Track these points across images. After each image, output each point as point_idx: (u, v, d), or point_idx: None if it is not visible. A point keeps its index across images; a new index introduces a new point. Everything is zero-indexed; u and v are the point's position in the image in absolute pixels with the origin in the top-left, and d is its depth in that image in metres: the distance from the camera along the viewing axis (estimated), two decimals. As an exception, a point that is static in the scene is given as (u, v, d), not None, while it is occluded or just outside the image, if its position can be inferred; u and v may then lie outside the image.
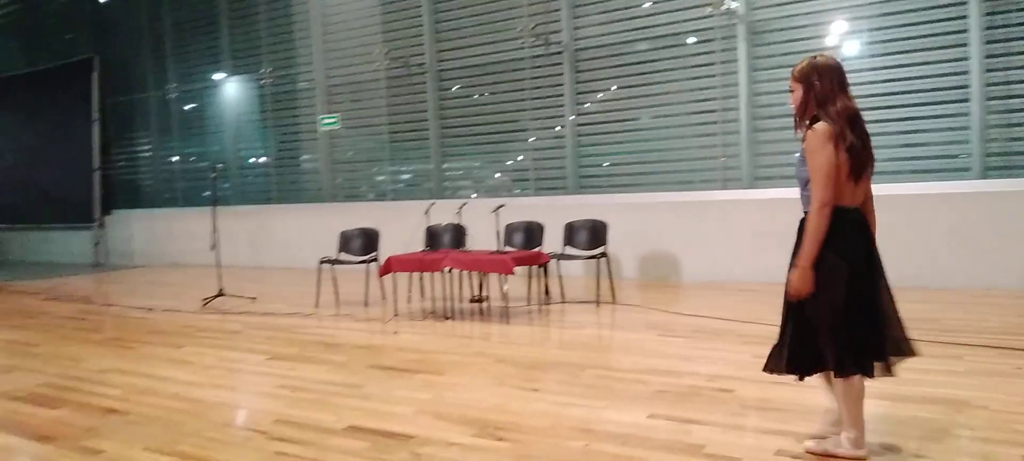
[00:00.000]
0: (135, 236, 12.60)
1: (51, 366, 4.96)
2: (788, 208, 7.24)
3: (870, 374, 2.74)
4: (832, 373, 2.73)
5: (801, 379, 2.87)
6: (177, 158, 12.59)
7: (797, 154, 2.88)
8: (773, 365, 2.88)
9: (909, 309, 5.72)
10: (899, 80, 7.09)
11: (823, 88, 2.70)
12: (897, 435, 3.04)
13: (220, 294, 7.46)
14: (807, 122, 2.76)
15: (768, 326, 5.27)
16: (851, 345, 2.68)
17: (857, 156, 2.69)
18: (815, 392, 3.69)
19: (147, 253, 12.36)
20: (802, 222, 2.79)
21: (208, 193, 7.75)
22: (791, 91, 2.82)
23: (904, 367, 4.00)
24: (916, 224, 6.76)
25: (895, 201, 6.84)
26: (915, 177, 6.98)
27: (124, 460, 3.14)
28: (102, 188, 12.45)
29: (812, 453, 2.85)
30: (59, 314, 7.39)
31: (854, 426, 2.77)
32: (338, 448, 3.17)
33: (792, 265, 2.83)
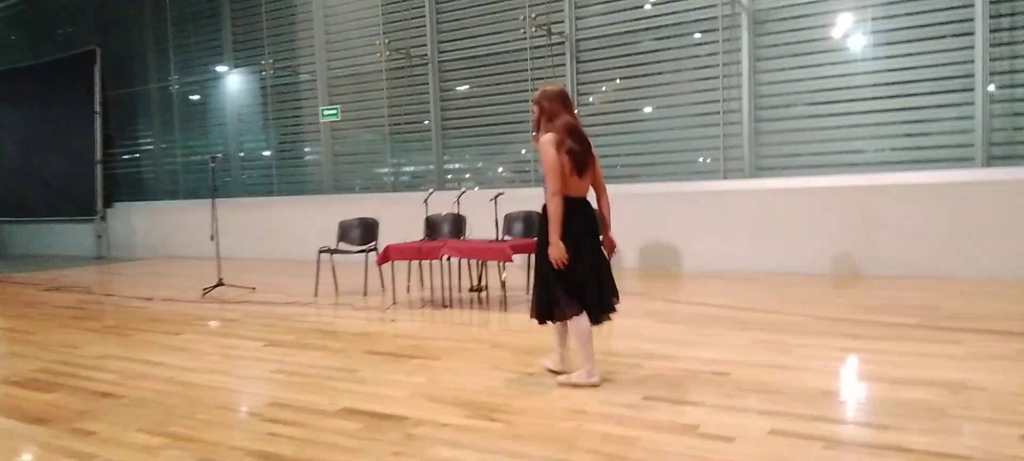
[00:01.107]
0: (137, 228, 12.61)
1: (48, 353, 4.96)
2: (789, 198, 7.30)
3: (595, 320, 3.58)
4: (568, 321, 3.58)
5: (542, 323, 3.66)
6: (179, 151, 12.60)
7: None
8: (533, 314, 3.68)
9: (910, 296, 5.74)
10: (902, 70, 7.04)
11: (550, 108, 3.55)
12: (894, 415, 3.00)
13: (220, 284, 7.45)
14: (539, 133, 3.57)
15: (767, 313, 5.27)
16: (573, 297, 3.51)
17: (576, 157, 3.48)
18: (813, 374, 3.69)
19: (149, 245, 12.38)
20: (544, 208, 3.54)
21: (209, 185, 7.73)
22: (531, 111, 3.67)
23: (903, 352, 3.98)
24: (919, 213, 6.72)
25: (898, 190, 6.81)
26: (918, 166, 6.93)
27: (115, 441, 3.12)
28: (104, 180, 12.46)
29: (562, 385, 3.60)
30: (59, 304, 7.39)
31: (587, 361, 3.57)
32: (331, 429, 3.15)
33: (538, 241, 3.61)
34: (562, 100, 3.57)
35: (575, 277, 3.48)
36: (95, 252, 12.60)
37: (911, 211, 6.75)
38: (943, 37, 6.87)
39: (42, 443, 3.14)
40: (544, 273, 3.55)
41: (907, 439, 2.74)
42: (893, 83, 7.08)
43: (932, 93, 6.94)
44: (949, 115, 6.91)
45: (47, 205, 13.09)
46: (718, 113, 7.93)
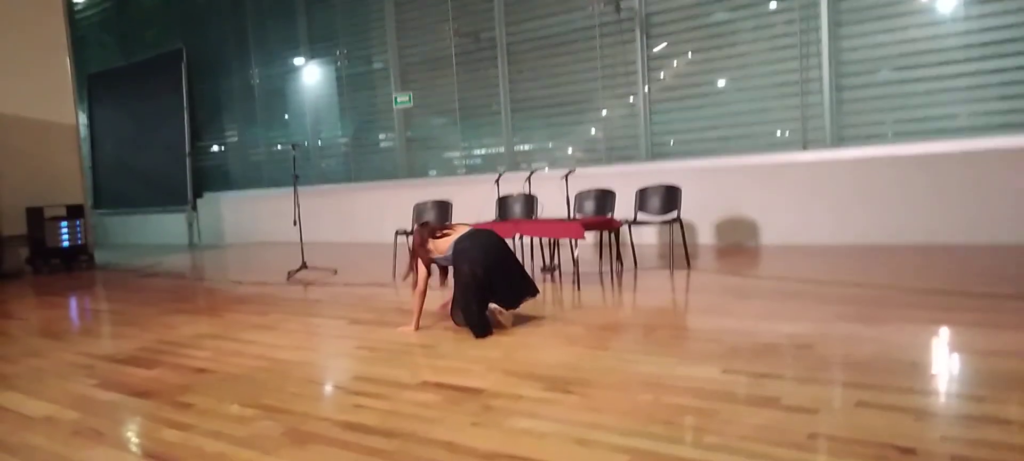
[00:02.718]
0: (225, 216, 13.23)
1: (149, 333, 5.27)
2: (874, 168, 7.03)
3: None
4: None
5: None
6: (261, 141, 13.11)
7: None
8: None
9: (1006, 266, 5.46)
10: (995, 29, 6.62)
11: (414, 242, 4.75)
12: (991, 387, 2.87)
13: (303, 267, 7.74)
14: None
15: (852, 286, 5.09)
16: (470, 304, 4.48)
17: (434, 233, 4.69)
18: (901, 347, 3.56)
19: (236, 232, 12.97)
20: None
21: (290, 173, 8.03)
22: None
23: (998, 323, 3.79)
24: (1017, 179, 6.33)
25: (993, 156, 6.44)
26: (1015, 130, 6.52)
27: (212, 412, 3.30)
28: (193, 172, 13.09)
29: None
30: (156, 288, 7.85)
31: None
32: (412, 401, 3.24)
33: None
34: (421, 235, 4.71)
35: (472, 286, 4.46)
36: (188, 240, 13.29)
37: (1008, 177, 6.37)
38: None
39: (148, 415, 3.36)
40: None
41: (1006, 411, 2.62)
42: (986, 43, 6.67)
43: (1030, 52, 6.51)
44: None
45: (143, 197, 13.88)
46: (797, 83, 7.67)
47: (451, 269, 4.71)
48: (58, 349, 4.91)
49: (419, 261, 4.72)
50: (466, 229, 4.71)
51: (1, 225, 9.85)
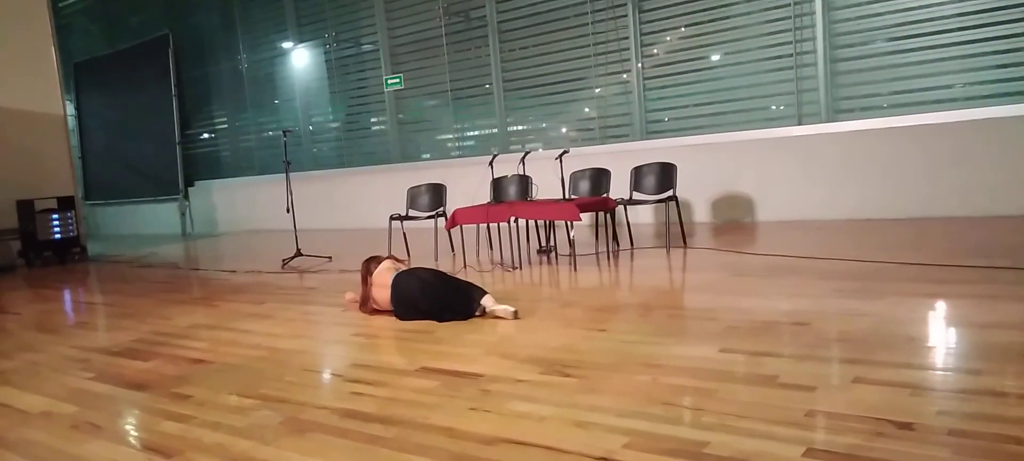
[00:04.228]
0: (218, 205, 13.15)
1: (144, 324, 5.25)
2: (870, 140, 7.01)
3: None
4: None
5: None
6: (252, 127, 12.99)
7: None
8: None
9: (1002, 238, 5.47)
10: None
11: (363, 273, 4.93)
12: (987, 359, 2.87)
13: (298, 254, 7.71)
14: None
15: (848, 261, 5.10)
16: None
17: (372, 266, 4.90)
18: (898, 322, 3.56)
19: (229, 221, 12.89)
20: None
21: (282, 160, 7.97)
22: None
23: (994, 295, 3.79)
24: (1012, 149, 6.33)
25: (989, 126, 6.43)
26: (1011, 100, 6.50)
27: (210, 403, 3.29)
28: (184, 161, 12.98)
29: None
30: (151, 279, 7.81)
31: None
32: (410, 387, 3.24)
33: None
34: (365, 271, 4.92)
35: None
36: (180, 229, 13.22)
37: (1004, 147, 6.36)
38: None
39: (144, 407, 3.35)
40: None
41: (1002, 383, 2.62)
42: (981, 11, 6.62)
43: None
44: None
45: (134, 186, 13.76)
46: (791, 56, 7.62)
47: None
48: (53, 343, 4.89)
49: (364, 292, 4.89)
50: (395, 270, 4.77)
51: (-8, 219, 9.77)
